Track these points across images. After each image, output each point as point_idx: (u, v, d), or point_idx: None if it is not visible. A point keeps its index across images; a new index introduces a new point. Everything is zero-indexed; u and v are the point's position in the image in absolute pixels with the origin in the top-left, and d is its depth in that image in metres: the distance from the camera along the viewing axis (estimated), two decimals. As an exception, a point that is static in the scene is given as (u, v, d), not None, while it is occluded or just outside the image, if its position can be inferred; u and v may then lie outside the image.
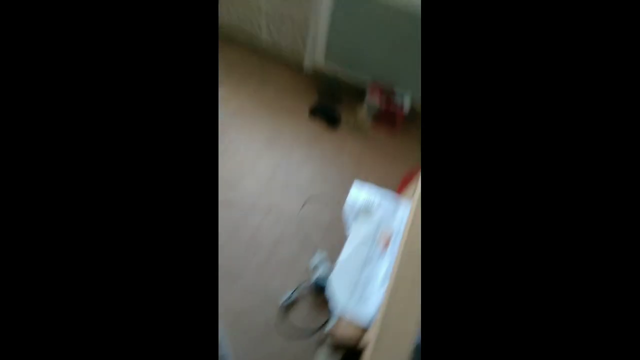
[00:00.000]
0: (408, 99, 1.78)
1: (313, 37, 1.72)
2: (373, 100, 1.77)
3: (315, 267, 1.31)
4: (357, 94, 1.90)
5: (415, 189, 1.03)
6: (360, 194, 1.31)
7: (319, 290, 1.27)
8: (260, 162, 1.62)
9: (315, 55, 1.80)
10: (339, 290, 1.16)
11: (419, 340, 0.79)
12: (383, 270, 1.21)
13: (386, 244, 1.27)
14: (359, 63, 1.79)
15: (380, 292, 1.13)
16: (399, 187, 1.62)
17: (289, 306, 1.26)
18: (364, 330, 1.09)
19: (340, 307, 1.15)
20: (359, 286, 1.19)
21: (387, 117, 1.81)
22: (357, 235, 1.26)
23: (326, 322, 1.21)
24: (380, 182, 1.61)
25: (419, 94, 1.78)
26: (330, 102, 1.87)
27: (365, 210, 1.28)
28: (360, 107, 1.84)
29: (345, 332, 1.11)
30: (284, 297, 1.25)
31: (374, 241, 1.28)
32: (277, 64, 1.99)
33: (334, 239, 1.40)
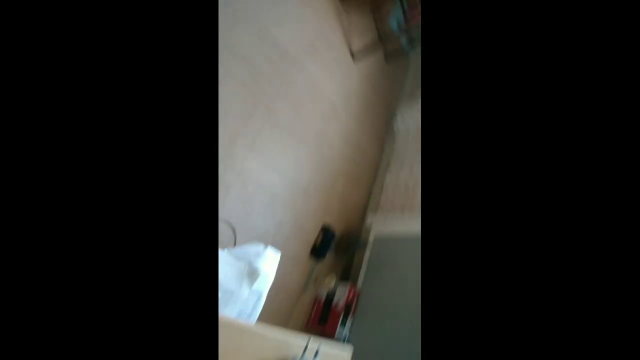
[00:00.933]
0: (347, 331, 1.69)
1: (378, 217, 1.92)
2: (342, 293, 1.75)
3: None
4: (345, 274, 1.91)
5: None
6: (272, 264, 1.19)
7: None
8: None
9: (371, 226, 1.96)
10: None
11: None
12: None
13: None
14: (373, 278, 1.86)
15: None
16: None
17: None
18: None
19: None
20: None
21: (327, 311, 1.72)
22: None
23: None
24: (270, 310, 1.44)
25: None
26: (338, 249, 1.91)
27: (250, 274, 1.14)
28: (333, 278, 1.83)
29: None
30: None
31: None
32: (358, 183, 2.21)
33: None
